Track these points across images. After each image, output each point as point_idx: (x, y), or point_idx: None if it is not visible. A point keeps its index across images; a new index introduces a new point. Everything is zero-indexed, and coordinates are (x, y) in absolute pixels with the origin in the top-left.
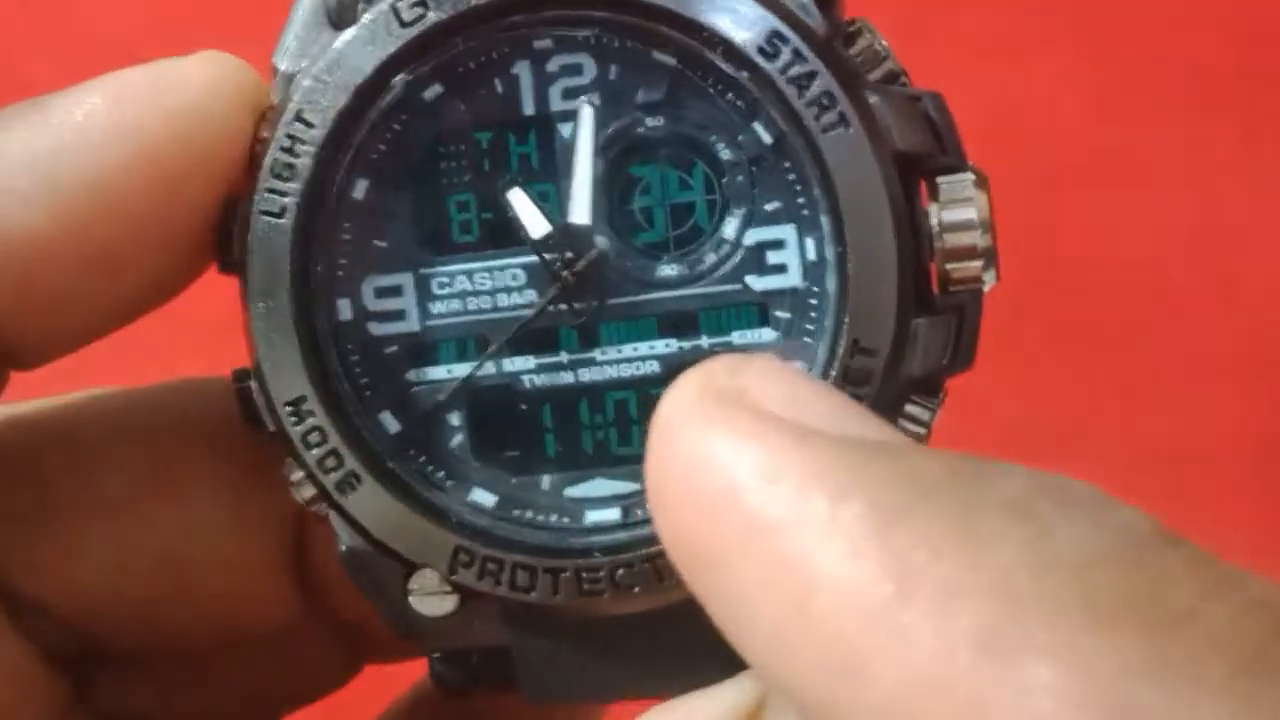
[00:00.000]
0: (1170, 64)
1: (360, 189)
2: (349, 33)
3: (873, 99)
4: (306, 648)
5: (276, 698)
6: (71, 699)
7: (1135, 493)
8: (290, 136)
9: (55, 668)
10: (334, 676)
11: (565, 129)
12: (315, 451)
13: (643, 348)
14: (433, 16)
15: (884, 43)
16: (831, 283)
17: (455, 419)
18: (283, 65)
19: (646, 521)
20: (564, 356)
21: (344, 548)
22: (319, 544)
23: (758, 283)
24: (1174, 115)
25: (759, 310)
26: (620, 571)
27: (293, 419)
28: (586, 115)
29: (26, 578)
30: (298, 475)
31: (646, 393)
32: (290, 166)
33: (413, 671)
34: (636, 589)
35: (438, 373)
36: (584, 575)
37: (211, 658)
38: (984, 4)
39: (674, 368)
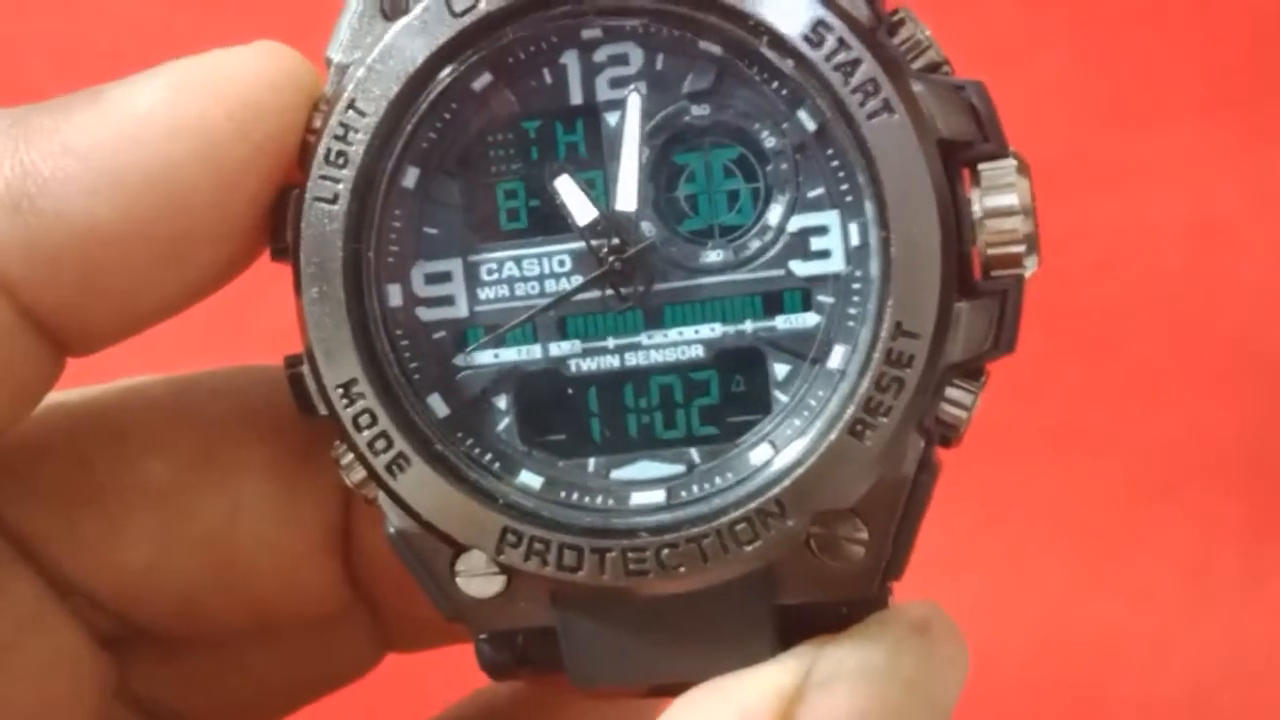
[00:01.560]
0: (1170, 65)
1: (411, 177)
2: (401, 22)
3: (916, 87)
4: (340, 637)
5: (305, 685)
6: (118, 682)
7: (1133, 492)
8: (343, 125)
9: (103, 650)
10: (360, 665)
11: (612, 117)
12: (366, 433)
13: (688, 332)
14: (484, 7)
15: (927, 32)
16: (875, 267)
17: (503, 403)
18: (336, 56)
19: (691, 502)
20: (610, 341)
21: (392, 529)
22: (364, 530)
23: (801, 268)
24: (1173, 115)
25: (803, 295)
26: (665, 551)
27: (344, 402)
28: (634, 104)
29: (74, 561)
30: (348, 457)
31: (690, 377)
32: (343, 154)
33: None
34: (682, 568)
35: (485, 357)
36: (630, 555)
37: (247, 645)
38: (984, 5)
39: (718, 352)
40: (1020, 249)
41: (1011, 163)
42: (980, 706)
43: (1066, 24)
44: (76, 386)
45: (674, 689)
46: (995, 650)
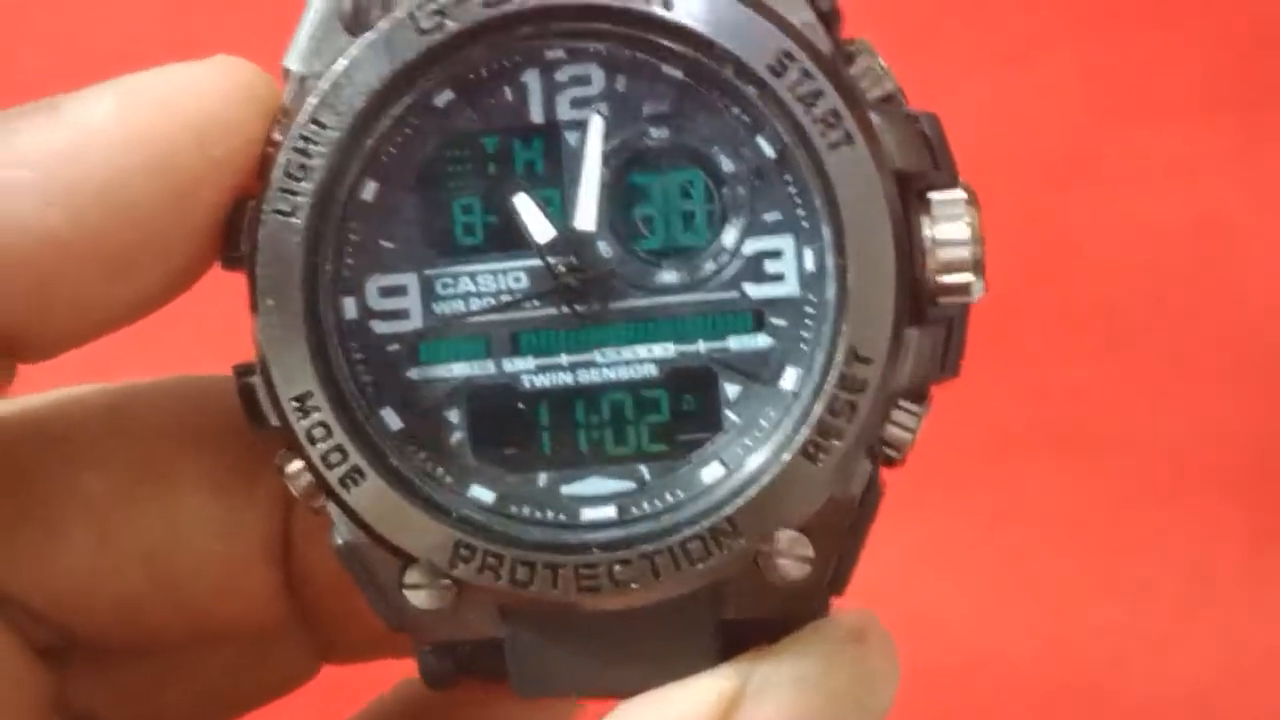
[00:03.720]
0: (1170, 65)
1: (370, 190)
2: (367, 37)
3: (874, 118)
4: (278, 647)
5: (242, 696)
6: (55, 693)
7: (1133, 492)
8: (304, 138)
9: (40, 660)
10: (296, 676)
11: (572, 137)
12: (320, 446)
13: (641, 351)
14: (451, 25)
15: (883, 64)
16: (830, 292)
17: (455, 417)
18: (294, 67)
19: (643, 519)
20: (564, 358)
21: (340, 541)
22: (304, 540)
23: (755, 290)
24: (1174, 115)
25: (755, 317)
26: (618, 567)
27: (298, 414)
28: (595, 124)
29: (10, 571)
30: (294, 467)
31: (642, 394)
32: (304, 167)
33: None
34: (634, 584)
35: (439, 371)
36: (582, 571)
37: (184, 657)
38: (985, 6)
39: (671, 371)
40: (969, 277)
41: (961, 194)
42: (981, 706)
43: (1067, 24)
44: (11, 397)
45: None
46: (996, 651)
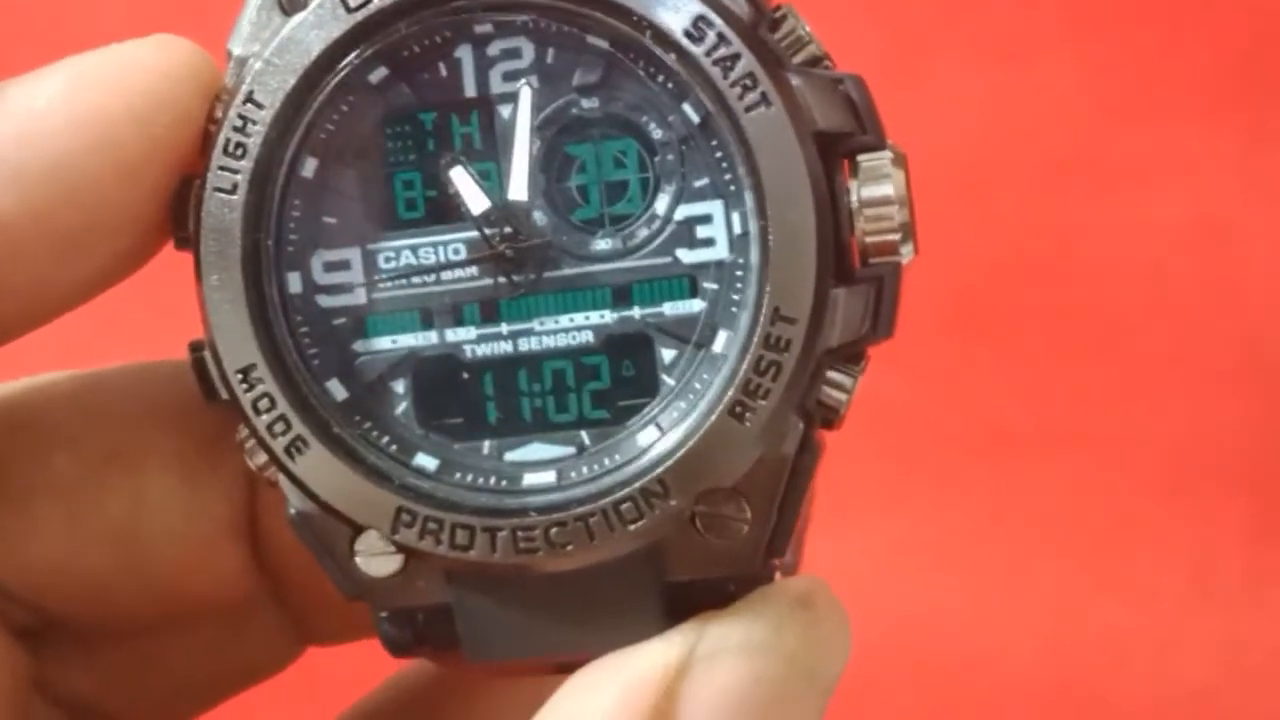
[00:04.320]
0: (1170, 65)
1: (309, 167)
2: (298, 17)
3: (795, 80)
4: (254, 628)
5: (222, 679)
6: (35, 674)
7: (1133, 491)
8: (241, 117)
9: (18, 641)
10: (278, 658)
11: (505, 110)
12: (265, 417)
13: (579, 318)
14: (377, 2)
15: (807, 28)
16: (755, 255)
17: (400, 387)
18: (236, 50)
19: (580, 483)
20: (504, 327)
21: (293, 510)
22: (270, 516)
23: (687, 255)
24: (1174, 115)
25: (689, 282)
26: (554, 530)
27: (243, 386)
28: (525, 96)
29: None
30: (250, 441)
31: (581, 361)
32: (241, 145)
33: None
34: (569, 547)
35: (383, 343)
36: (520, 534)
37: (162, 638)
38: (985, 7)
39: (607, 337)
40: (895, 237)
41: (888, 154)
42: (981, 705)
43: (1067, 24)
44: None
45: (569, 667)
46: (996, 650)
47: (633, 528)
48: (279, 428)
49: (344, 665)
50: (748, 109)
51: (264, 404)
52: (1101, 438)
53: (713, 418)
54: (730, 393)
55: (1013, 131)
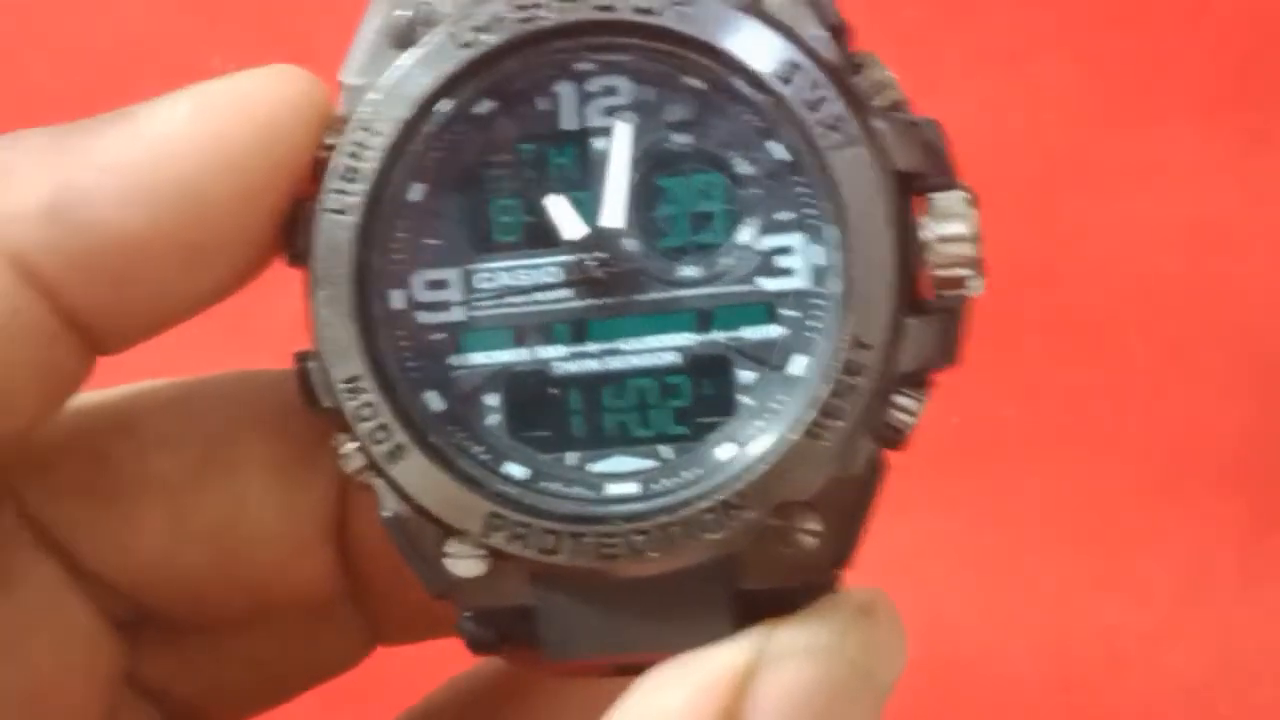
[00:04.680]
0: (1169, 66)
1: (416, 191)
2: (413, 52)
3: (877, 123)
4: (332, 627)
5: (299, 675)
6: (128, 666)
7: (1131, 490)
8: (356, 143)
9: (115, 633)
10: (350, 657)
11: (600, 143)
12: (367, 424)
13: (664, 340)
14: (486, 40)
15: (889, 73)
16: (835, 285)
17: (492, 400)
18: (350, 80)
19: (662, 494)
20: (592, 346)
21: (389, 513)
22: (358, 520)
23: (768, 284)
24: (1172, 117)
25: (768, 309)
26: (636, 537)
27: (348, 395)
28: (622, 131)
29: (91, 549)
30: (349, 447)
31: (664, 381)
32: (355, 170)
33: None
34: (651, 553)
35: (478, 358)
36: (604, 540)
37: (246, 634)
38: (985, 6)
39: (690, 359)
40: (966, 272)
41: (961, 194)
42: (979, 703)
43: (1066, 24)
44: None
45: (639, 668)
46: (994, 649)
47: (712, 537)
48: (380, 435)
49: (406, 666)
50: (835, 148)
51: (366, 412)
52: (1098, 437)
53: (792, 436)
54: (810, 413)
55: (1011, 132)
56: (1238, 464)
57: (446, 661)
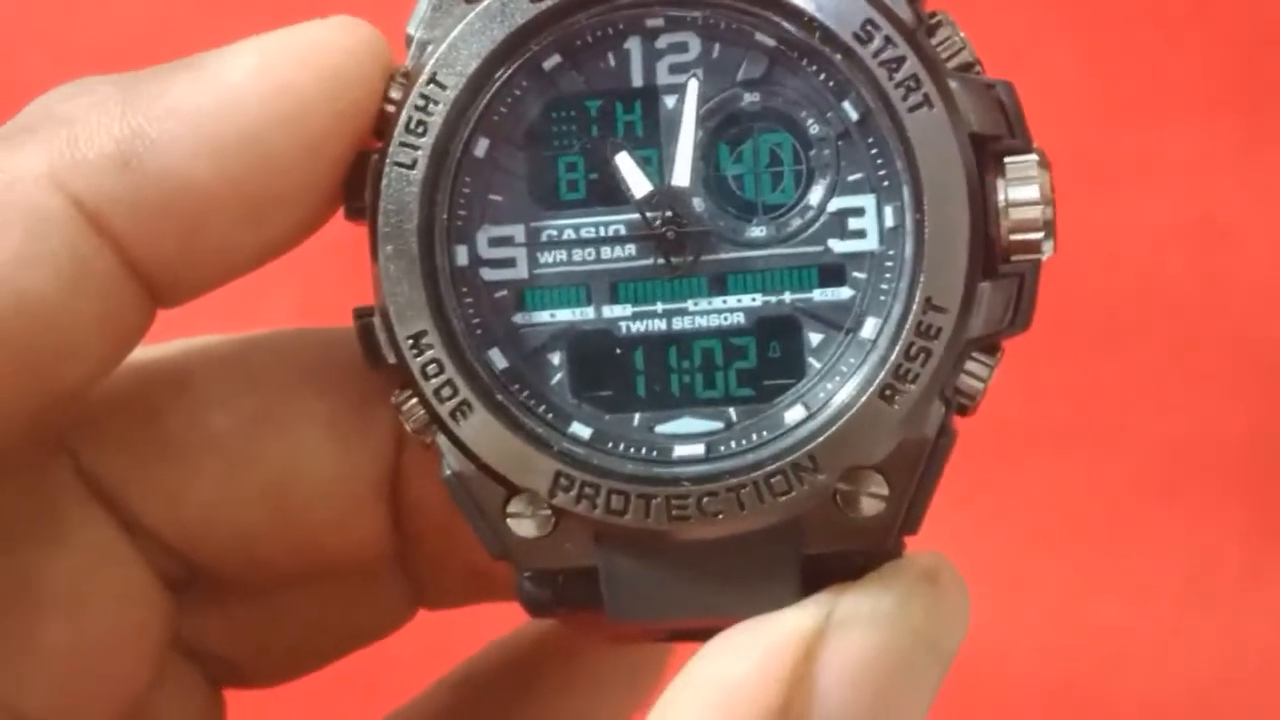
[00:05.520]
0: (1169, 65)
1: (481, 147)
2: (481, 5)
3: (953, 84)
4: (379, 589)
5: (345, 637)
6: (176, 625)
7: (1134, 492)
8: (424, 96)
9: (167, 589)
10: (394, 619)
11: (669, 100)
12: (433, 381)
13: (731, 300)
14: None
15: (962, 35)
16: (908, 247)
17: (556, 359)
18: (417, 34)
19: (730, 455)
20: (659, 306)
21: (450, 471)
22: (412, 479)
23: (839, 245)
24: (1172, 115)
25: (839, 270)
26: (706, 499)
27: (414, 351)
28: (691, 88)
29: (144, 504)
30: (410, 403)
31: (731, 342)
32: (423, 123)
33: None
34: (720, 515)
35: (542, 316)
36: (673, 501)
37: (296, 594)
38: (985, 6)
39: (758, 320)
40: (1039, 235)
41: (1034, 157)
42: (980, 705)
43: (1067, 23)
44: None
45: (695, 634)
46: (996, 650)
47: (782, 499)
48: (446, 392)
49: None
50: (911, 109)
51: (433, 369)
52: (1099, 437)
53: (864, 398)
54: (882, 376)
55: None
56: (1241, 465)
57: (486, 627)
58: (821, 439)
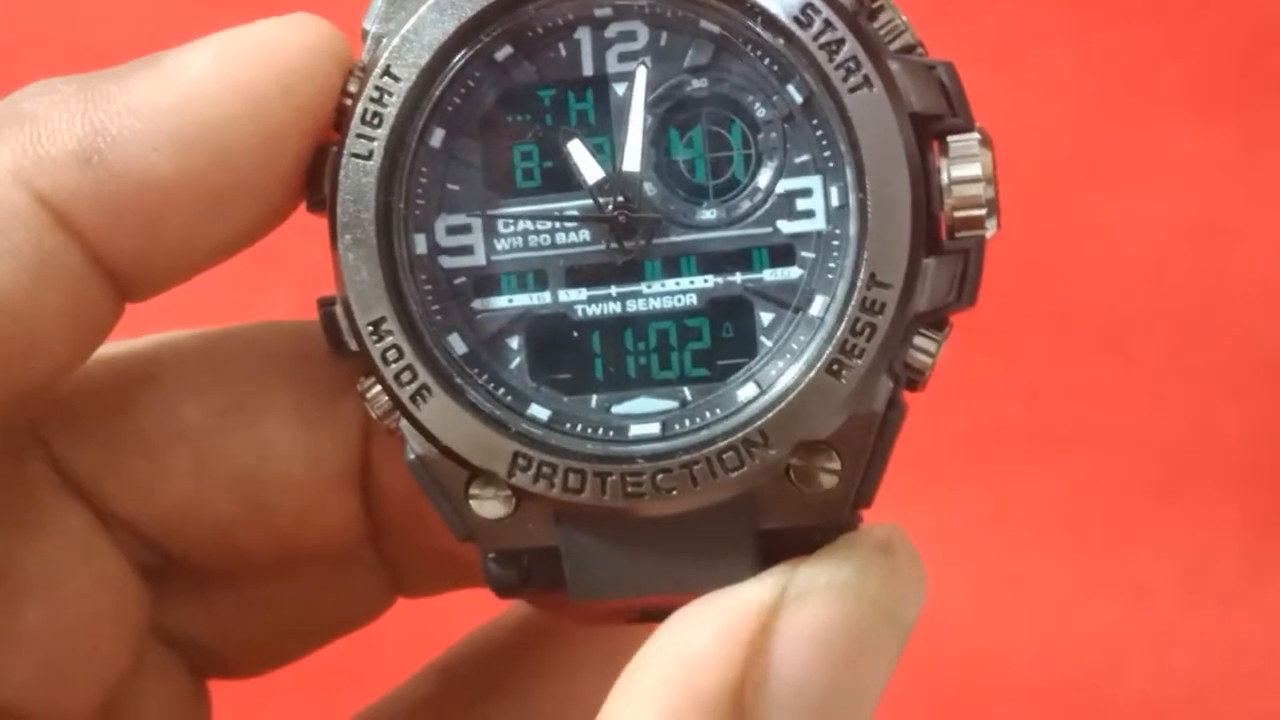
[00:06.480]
0: (1170, 64)
1: (437, 137)
2: None
3: (893, 65)
4: (355, 577)
5: (323, 626)
6: (153, 614)
7: (1133, 492)
8: (379, 89)
9: (142, 579)
10: (372, 608)
11: (619, 88)
12: (393, 366)
13: (684, 283)
14: None
15: (903, 18)
16: (853, 226)
17: (515, 343)
18: (372, 28)
19: (684, 434)
20: (613, 289)
21: (413, 455)
22: (381, 466)
23: (787, 226)
24: (1172, 116)
25: (787, 250)
26: (660, 476)
27: (374, 338)
28: (640, 76)
29: (118, 495)
30: (374, 390)
31: (684, 323)
32: (378, 115)
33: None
34: (674, 491)
35: (500, 302)
36: (628, 479)
37: (272, 583)
38: (985, 6)
39: (710, 301)
40: (982, 212)
41: (976, 136)
42: (978, 703)
43: (1067, 23)
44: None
45: (660, 614)
46: (995, 649)
47: (734, 475)
48: (406, 376)
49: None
50: (851, 90)
51: (392, 354)
52: (1099, 437)
53: (812, 374)
54: (829, 351)
55: (1011, 131)
56: (1240, 464)
57: (469, 616)
58: (771, 415)
